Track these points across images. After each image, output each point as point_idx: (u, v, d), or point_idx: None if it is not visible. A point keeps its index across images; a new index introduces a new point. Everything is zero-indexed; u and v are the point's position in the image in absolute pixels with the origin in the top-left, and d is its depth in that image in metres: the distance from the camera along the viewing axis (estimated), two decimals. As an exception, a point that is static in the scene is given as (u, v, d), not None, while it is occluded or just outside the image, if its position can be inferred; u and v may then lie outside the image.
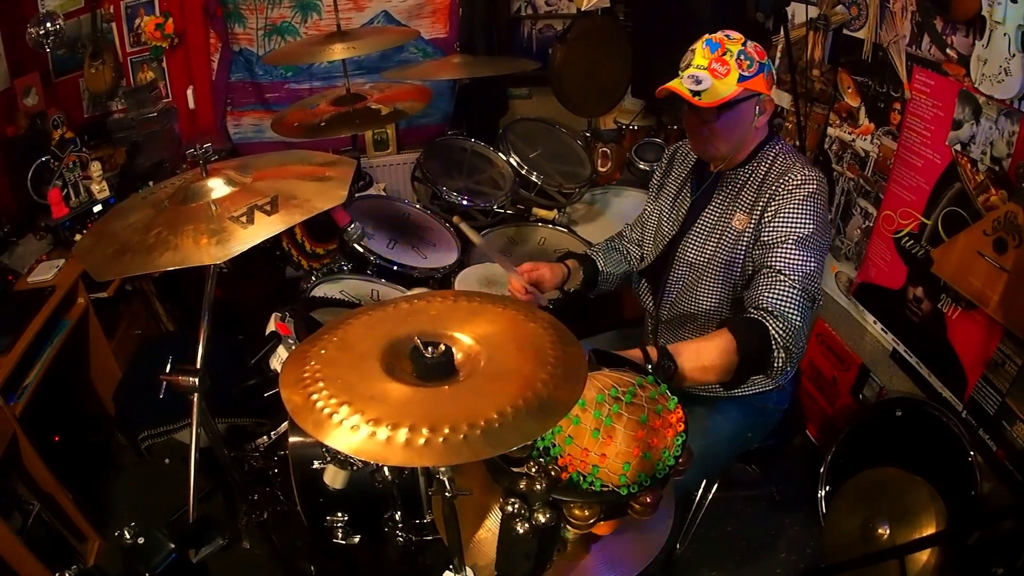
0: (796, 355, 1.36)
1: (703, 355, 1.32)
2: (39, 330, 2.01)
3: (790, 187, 1.46)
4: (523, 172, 2.58)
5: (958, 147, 1.79)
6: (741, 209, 1.55)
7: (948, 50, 1.77)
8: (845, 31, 2.19)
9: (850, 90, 2.21)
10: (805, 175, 1.46)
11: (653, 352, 1.29)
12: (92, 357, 2.46)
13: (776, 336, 1.33)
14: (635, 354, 1.28)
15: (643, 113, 3.23)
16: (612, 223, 2.76)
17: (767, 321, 1.34)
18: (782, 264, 1.41)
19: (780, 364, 1.34)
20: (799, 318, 1.36)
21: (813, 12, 2.27)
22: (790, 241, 1.42)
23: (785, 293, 1.37)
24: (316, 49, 2.17)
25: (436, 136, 2.98)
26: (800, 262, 1.40)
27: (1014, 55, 1.55)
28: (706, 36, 1.46)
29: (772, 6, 2.53)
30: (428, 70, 2.74)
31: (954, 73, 1.76)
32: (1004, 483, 1.70)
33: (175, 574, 1.16)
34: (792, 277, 1.39)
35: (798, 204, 1.44)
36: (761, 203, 1.50)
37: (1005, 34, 1.56)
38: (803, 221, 1.43)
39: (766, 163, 1.55)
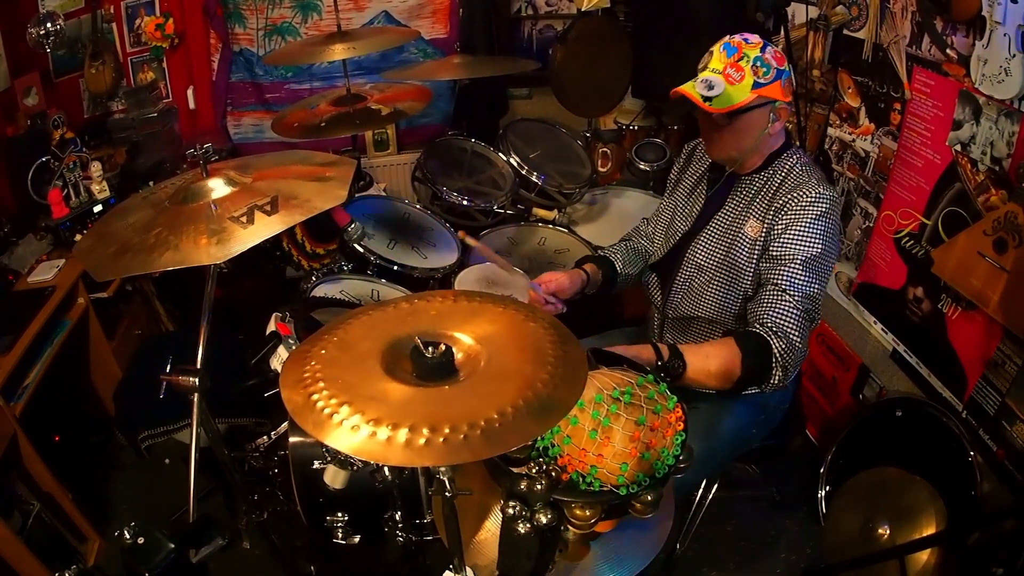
0: (792, 373, 1.40)
1: (710, 361, 1.35)
2: (39, 330, 2.01)
3: (803, 203, 1.45)
4: (523, 172, 2.58)
5: (958, 147, 1.79)
6: (754, 216, 1.55)
7: (948, 50, 1.77)
8: (845, 31, 2.19)
9: (850, 90, 2.21)
10: (819, 193, 1.45)
11: (665, 350, 1.31)
12: (92, 357, 2.46)
13: (777, 355, 1.36)
14: (644, 350, 1.30)
15: (643, 113, 3.23)
16: (612, 223, 2.76)
17: (771, 340, 1.37)
18: (787, 283, 1.42)
19: (776, 381, 1.38)
20: (799, 338, 1.39)
21: (813, 12, 2.28)
22: (797, 260, 1.43)
23: (787, 313, 1.40)
24: (316, 49, 2.17)
25: (436, 136, 2.98)
26: (804, 283, 1.42)
27: (1014, 55, 1.55)
28: (725, 38, 1.44)
29: (772, 6, 2.53)
30: (428, 70, 2.74)
31: (954, 73, 1.76)
32: (1004, 483, 1.70)
33: (175, 574, 1.16)
34: (796, 297, 1.41)
35: (809, 223, 1.44)
36: (772, 212, 1.50)
37: (1005, 34, 1.56)
38: (812, 241, 1.43)
39: (782, 172, 1.54)
